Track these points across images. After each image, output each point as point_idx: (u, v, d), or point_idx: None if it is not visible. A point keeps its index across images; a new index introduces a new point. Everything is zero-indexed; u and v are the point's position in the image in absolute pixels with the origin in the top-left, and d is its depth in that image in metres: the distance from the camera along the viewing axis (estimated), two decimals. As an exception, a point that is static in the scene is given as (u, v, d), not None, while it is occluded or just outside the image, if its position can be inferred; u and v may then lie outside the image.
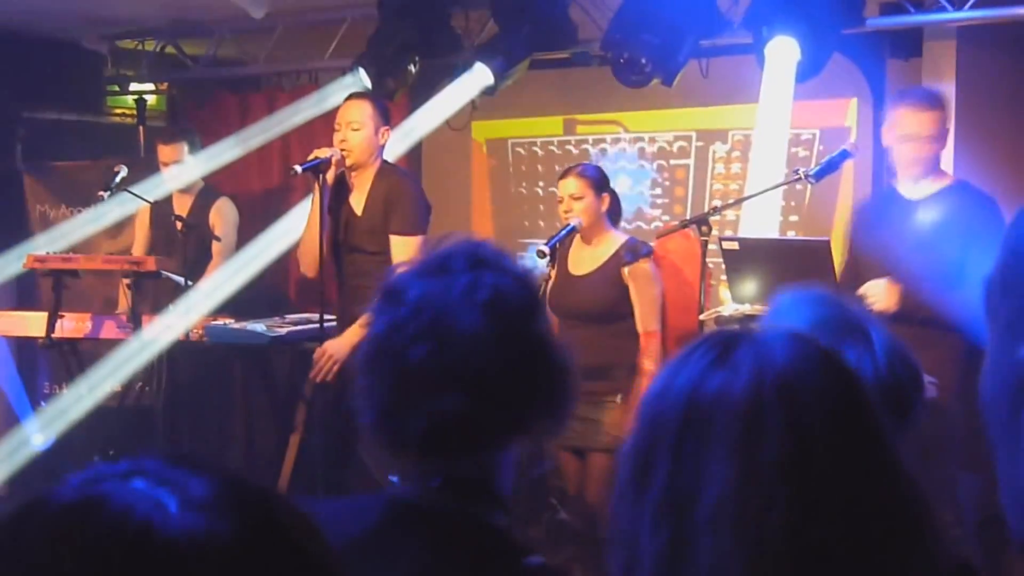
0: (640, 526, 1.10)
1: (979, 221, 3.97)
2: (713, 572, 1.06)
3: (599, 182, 4.58)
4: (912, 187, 4.17)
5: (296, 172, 4.64)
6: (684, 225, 4.42)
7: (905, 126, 4.11)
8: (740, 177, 5.96)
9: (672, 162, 6.26)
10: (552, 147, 6.62)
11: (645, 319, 4.43)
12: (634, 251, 4.49)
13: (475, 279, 1.49)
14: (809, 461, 1.07)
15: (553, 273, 4.36)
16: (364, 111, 4.76)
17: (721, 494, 1.06)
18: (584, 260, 4.56)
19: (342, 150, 4.71)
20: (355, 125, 4.73)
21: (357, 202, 4.81)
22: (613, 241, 4.56)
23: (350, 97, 4.95)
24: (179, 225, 5.32)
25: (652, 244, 4.65)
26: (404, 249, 4.67)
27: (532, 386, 1.50)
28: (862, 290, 3.96)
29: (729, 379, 1.10)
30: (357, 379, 1.54)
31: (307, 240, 4.77)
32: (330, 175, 4.70)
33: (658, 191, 6.29)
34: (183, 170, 5.78)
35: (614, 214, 4.66)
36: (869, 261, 4.14)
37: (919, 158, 4.12)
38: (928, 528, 1.11)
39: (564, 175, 4.61)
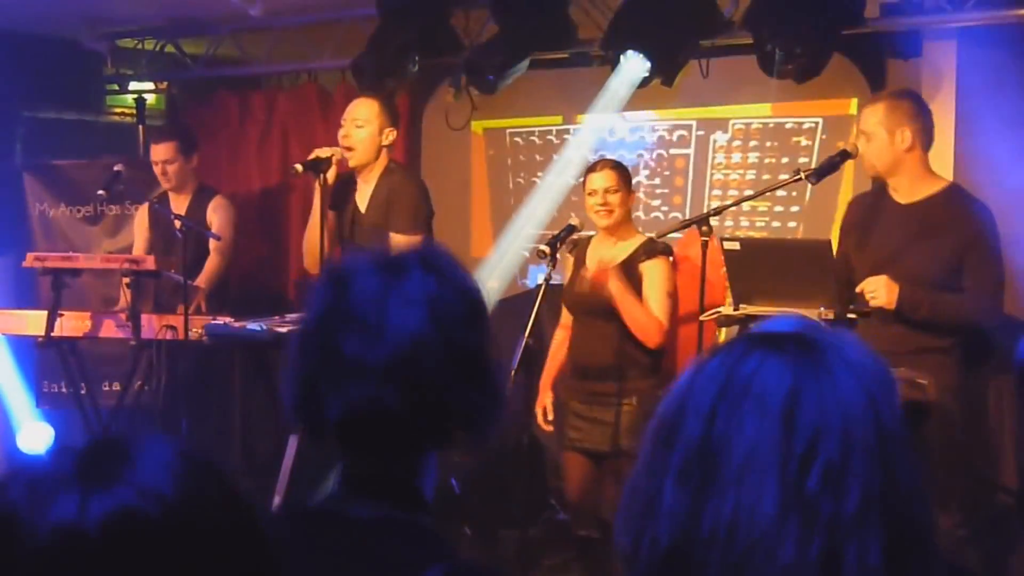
0: (662, 486, 1.12)
1: (971, 227, 3.96)
2: (733, 525, 1.07)
3: (629, 176, 4.51)
4: (904, 191, 4.14)
5: (296, 171, 4.64)
6: (684, 225, 4.40)
7: (860, 122, 4.16)
8: (741, 167, 5.95)
9: (671, 151, 6.23)
10: (550, 136, 6.61)
11: (652, 307, 4.33)
12: (651, 249, 4.42)
13: (420, 282, 1.51)
14: (851, 437, 1.09)
15: (553, 273, 4.32)
16: (371, 110, 4.78)
17: (754, 447, 1.08)
18: (604, 256, 4.47)
19: (344, 147, 4.73)
20: (360, 122, 4.75)
21: (362, 200, 4.83)
22: (636, 239, 4.49)
23: (360, 94, 4.97)
24: (178, 224, 5.31)
25: (672, 246, 4.58)
26: (403, 248, 4.67)
27: (456, 396, 1.51)
28: (862, 285, 3.94)
29: (774, 361, 1.13)
30: (288, 358, 1.57)
31: (310, 238, 4.81)
32: (330, 174, 4.71)
33: (657, 181, 6.27)
34: (178, 170, 5.77)
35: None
36: (860, 262, 4.14)
37: (864, 155, 4.11)
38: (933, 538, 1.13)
39: (596, 168, 4.50)
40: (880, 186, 4.25)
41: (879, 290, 3.89)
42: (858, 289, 3.93)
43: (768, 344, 1.15)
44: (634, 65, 5.10)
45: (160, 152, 5.78)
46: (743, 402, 1.11)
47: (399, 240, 4.67)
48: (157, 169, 5.78)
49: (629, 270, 4.40)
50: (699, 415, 1.12)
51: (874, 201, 4.26)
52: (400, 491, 1.54)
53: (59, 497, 0.94)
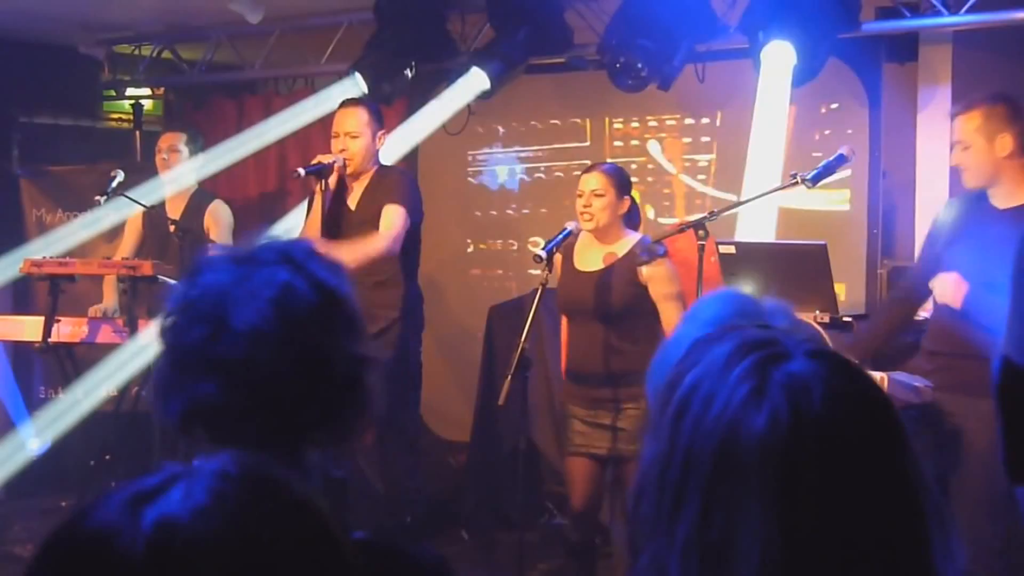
0: (670, 557, 1.08)
1: None
2: None
3: (622, 183, 4.40)
4: (1001, 196, 3.98)
5: (299, 175, 4.64)
6: (681, 229, 4.39)
7: (953, 133, 4.00)
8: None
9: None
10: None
11: (671, 319, 4.20)
12: (650, 251, 4.30)
13: (270, 275, 1.48)
14: (848, 517, 1.05)
15: (548, 277, 4.29)
16: (361, 119, 4.77)
17: (763, 548, 1.03)
18: (594, 257, 4.42)
19: (344, 158, 4.74)
20: (354, 133, 4.75)
21: (352, 200, 4.83)
22: (627, 240, 4.40)
23: (345, 104, 4.95)
24: (172, 228, 5.30)
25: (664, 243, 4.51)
26: (391, 215, 4.71)
27: (303, 393, 1.48)
28: (933, 281, 3.89)
29: (768, 428, 1.06)
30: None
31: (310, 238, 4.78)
32: (332, 180, 4.72)
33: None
34: (179, 161, 5.75)
35: (631, 219, 4.48)
36: (948, 261, 4.04)
37: (964, 166, 3.97)
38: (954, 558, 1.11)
39: (588, 170, 4.43)
40: (977, 192, 4.12)
41: (945, 288, 3.82)
42: (930, 284, 3.87)
43: (763, 391, 1.08)
44: (630, 70, 5.10)
45: (169, 139, 5.78)
46: (742, 489, 1.05)
47: (388, 209, 4.70)
48: (159, 156, 5.76)
49: (625, 270, 4.36)
50: (698, 490, 1.07)
51: (972, 203, 4.08)
52: None
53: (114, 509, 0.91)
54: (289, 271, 1.49)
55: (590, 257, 4.43)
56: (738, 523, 1.05)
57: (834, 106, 5.71)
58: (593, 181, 4.36)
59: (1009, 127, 3.92)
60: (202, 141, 5.95)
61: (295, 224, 5.17)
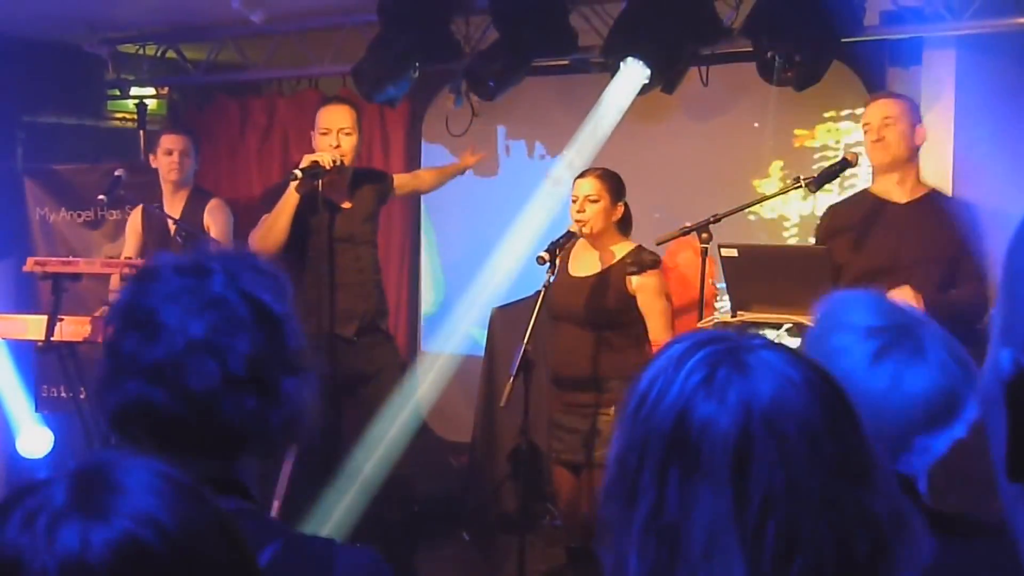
0: (628, 547, 1.12)
1: (963, 227, 4.02)
2: None
3: (617, 188, 4.41)
4: (900, 191, 4.22)
5: (295, 176, 4.63)
6: (684, 232, 4.40)
7: (874, 115, 4.24)
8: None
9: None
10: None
11: (657, 331, 4.28)
12: (640, 262, 4.33)
13: (207, 286, 1.53)
14: (797, 493, 1.08)
15: (551, 278, 4.29)
16: (353, 116, 4.79)
17: (713, 526, 1.07)
18: (587, 263, 4.44)
19: (340, 155, 4.74)
20: (347, 129, 4.75)
21: (344, 200, 4.80)
22: (621, 248, 4.42)
23: (334, 101, 4.96)
24: (172, 226, 5.29)
25: (660, 254, 4.50)
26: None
27: (231, 403, 1.51)
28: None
29: (717, 411, 1.11)
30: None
31: (279, 227, 4.70)
32: (325, 179, 4.71)
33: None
34: (190, 165, 5.75)
35: (625, 224, 4.51)
36: (856, 265, 4.14)
37: (887, 141, 4.18)
38: (910, 539, 1.13)
39: (582, 175, 4.45)
40: (863, 191, 4.31)
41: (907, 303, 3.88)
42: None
43: (712, 382, 1.12)
44: (634, 72, 5.10)
45: (178, 142, 5.74)
46: (693, 470, 1.10)
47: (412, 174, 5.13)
48: (171, 158, 5.70)
49: (614, 278, 4.37)
50: (653, 476, 1.11)
51: (861, 204, 4.31)
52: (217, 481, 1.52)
53: (60, 532, 0.92)
54: (223, 284, 1.53)
55: (584, 262, 4.44)
56: (689, 506, 1.09)
57: (838, 111, 5.70)
58: (587, 186, 4.35)
59: (920, 125, 4.25)
60: (199, 142, 5.97)
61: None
